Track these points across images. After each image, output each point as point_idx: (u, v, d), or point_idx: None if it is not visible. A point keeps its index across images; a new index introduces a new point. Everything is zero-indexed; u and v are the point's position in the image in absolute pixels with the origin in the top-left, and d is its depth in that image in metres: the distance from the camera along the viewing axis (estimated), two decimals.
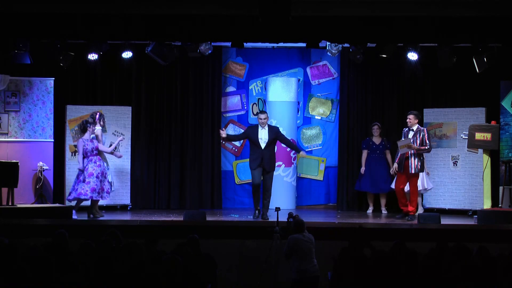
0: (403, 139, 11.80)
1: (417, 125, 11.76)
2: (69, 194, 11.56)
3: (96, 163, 11.41)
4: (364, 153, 12.97)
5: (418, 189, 12.00)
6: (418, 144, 11.56)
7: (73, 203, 11.56)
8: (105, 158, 11.81)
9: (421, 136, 11.60)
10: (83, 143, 11.42)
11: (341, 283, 7.04)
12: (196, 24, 11.25)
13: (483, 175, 12.39)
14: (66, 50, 11.76)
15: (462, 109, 12.91)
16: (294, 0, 10.56)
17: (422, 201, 12.85)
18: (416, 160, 11.56)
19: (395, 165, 11.87)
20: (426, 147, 11.61)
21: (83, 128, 11.56)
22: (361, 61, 12.14)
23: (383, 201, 12.94)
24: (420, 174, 11.95)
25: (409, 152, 11.58)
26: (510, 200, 12.09)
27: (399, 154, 11.78)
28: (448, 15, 11.01)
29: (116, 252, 7.20)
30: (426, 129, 11.86)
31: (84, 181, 11.33)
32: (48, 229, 9.38)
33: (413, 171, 11.59)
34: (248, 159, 11.88)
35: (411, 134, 11.67)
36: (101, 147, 11.66)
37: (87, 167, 11.35)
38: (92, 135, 11.62)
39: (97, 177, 11.37)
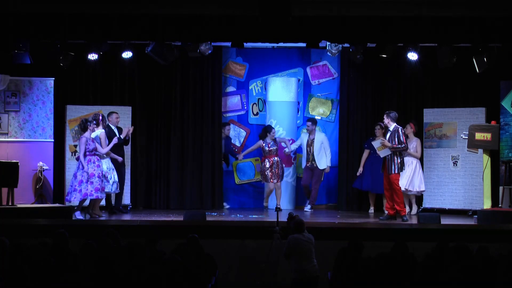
0: (375, 139, 11.75)
1: (394, 124, 11.47)
2: (68, 194, 11.44)
3: (95, 163, 11.35)
4: (365, 153, 12.93)
5: (412, 190, 11.94)
6: (396, 143, 11.34)
7: (76, 202, 11.47)
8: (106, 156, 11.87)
9: (397, 135, 11.36)
10: (86, 140, 11.34)
11: (341, 283, 7.04)
12: (196, 24, 11.25)
13: (483, 175, 12.38)
14: (66, 50, 11.76)
15: (462, 109, 12.90)
16: (294, 0, 10.56)
17: (422, 201, 12.87)
18: (396, 159, 11.35)
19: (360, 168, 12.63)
20: (402, 145, 11.34)
21: (84, 127, 11.45)
22: (361, 61, 12.14)
23: (385, 202, 12.88)
24: (419, 175, 11.93)
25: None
26: (510, 200, 12.08)
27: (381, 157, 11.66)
28: (448, 15, 11.01)
29: (117, 252, 7.19)
30: (401, 129, 11.51)
31: (87, 181, 11.26)
32: (48, 229, 9.38)
33: (395, 171, 11.33)
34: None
35: (388, 134, 11.45)
36: (99, 148, 11.58)
37: (87, 167, 11.30)
38: (96, 134, 11.58)
39: (98, 176, 11.34)
